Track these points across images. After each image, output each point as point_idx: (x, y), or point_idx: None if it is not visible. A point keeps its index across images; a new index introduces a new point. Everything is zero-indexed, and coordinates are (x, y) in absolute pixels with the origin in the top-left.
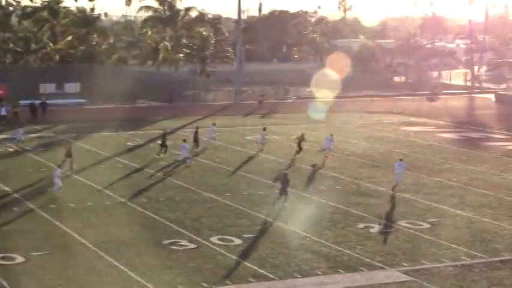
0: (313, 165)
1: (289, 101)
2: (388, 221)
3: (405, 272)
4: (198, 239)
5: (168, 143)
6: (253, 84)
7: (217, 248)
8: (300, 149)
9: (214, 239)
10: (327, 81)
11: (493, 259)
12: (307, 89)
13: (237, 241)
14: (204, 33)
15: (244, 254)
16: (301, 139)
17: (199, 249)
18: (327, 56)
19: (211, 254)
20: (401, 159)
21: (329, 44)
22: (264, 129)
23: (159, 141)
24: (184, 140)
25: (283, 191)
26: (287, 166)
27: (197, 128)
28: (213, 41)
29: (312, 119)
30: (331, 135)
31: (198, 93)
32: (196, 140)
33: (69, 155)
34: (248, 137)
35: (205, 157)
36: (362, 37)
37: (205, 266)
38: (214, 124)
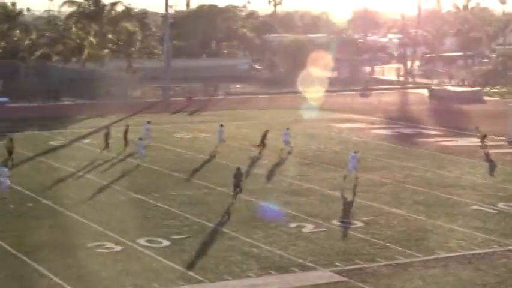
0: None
1: (219, 97)
2: (321, 218)
3: (338, 272)
4: (124, 241)
5: (110, 141)
6: (182, 80)
7: (145, 250)
8: (262, 145)
9: (141, 241)
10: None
11: (427, 258)
12: (238, 85)
13: (166, 242)
14: (131, 28)
15: (173, 256)
16: (264, 135)
17: (126, 252)
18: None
19: (138, 257)
20: (356, 152)
21: (260, 39)
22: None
23: (105, 138)
24: (140, 139)
25: (237, 186)
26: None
27: (127, 126)
28: (139, 37)
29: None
30: (288, 128)
31: (124, 90)
32: (125, 138)
33: (10, 152)
34: (176, 135)
35: (134, 156)
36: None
37: (132, 268)
38: (149, 122)
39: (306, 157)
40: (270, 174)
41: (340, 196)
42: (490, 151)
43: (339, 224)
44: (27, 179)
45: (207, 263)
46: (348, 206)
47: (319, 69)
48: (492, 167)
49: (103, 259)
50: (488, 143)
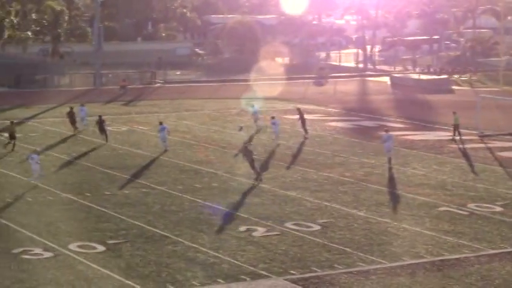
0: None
1: (157, 85)
2: (274, 221)
3: (293, 281)
4: (54, 246)
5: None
6: (115, 66)
7: (77, 257)
8: None
9: (73, 246)
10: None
11: (392, 264)
12: (177, 72)
13: (100, 248)
14: (56, 7)
15: (109, 263)
16: None
17: (56, 258)
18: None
19: (71, 264)
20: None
21: (201, 20)
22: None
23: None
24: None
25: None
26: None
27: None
28: (66, 17)
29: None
30: (273, 117)
31: (50, 77)
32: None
33: (12, 136)
34: (110, 128)
35: (59, 151)
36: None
37: (64, 277)
38: (83, 105)
39: (256, 153)
40: (215, 172)
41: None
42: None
43: (293, 227)
44: None
45: (147, 271)
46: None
47: (268, 54)
48: (463, 163)
49: (31, 267)
50: (458, 137)
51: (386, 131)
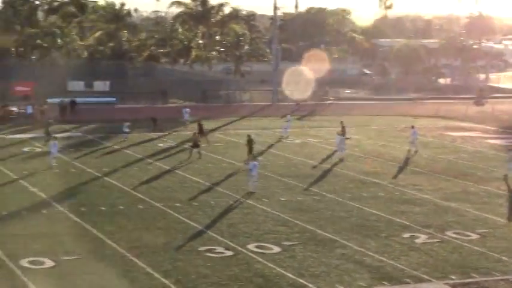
0: None
1: (328, 102)
2: (435, 229)
3: (453, 286)
4: (235, 246)
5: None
6: (290, 84)
7: (255, 256)
8: None
9: (251, 246)
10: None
11: None
12: (347, 91)
13: (276, 249)
14: (238, 30)
15: (283, 263)
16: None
17: (236, 257)
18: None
19: (248, 262)
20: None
21: (369, 43)
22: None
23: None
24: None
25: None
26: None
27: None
28: (248, 39)
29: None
30: (413, 127)
31: (232, 93)
32: (201, 134)
33: (196, 145)
34: (285, 140)
35: (240, 159)
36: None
37: (243, 274)
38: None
39: (418, 165)
40: (381, 183)
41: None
42: None
43: (453, 235)
44: (133, 180)
45: (318, 271)
46: None
47: (431, 75)
48: None
49: (214, 264)
50: None
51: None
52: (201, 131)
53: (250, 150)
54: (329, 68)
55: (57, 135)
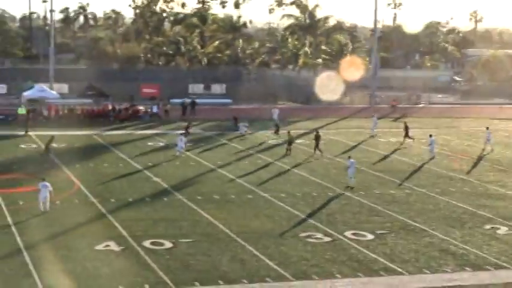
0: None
1: (421, 106)
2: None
3: None
4: (332, 232)
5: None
6: (387, 89)
7: (350, 242)
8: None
9: (348, 234)
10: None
11: None
12: (439, 96)
13: (370, 236)
14: (342, 40)
15: (376, 249)
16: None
17: (334, 243)
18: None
19: (344, 248)
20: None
21: (460, 53)
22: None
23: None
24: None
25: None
26: None
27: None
28: (350, 48)
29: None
30: (487, 128)
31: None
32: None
33: (290, 142)
34: (381, 139)
35: (340, 156)
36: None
37: (339, 258)
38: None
39: (501, 164)
40: (467, 179)
41: None
42: None
43: None
44: (246, 173)
45: (408, 257)
46: None
47: None
48: None
49: (313, 248)
50: None
51: None
52: (406, 132)
53: (317, 145)
54: (422, 75)
55: (182, 132)
